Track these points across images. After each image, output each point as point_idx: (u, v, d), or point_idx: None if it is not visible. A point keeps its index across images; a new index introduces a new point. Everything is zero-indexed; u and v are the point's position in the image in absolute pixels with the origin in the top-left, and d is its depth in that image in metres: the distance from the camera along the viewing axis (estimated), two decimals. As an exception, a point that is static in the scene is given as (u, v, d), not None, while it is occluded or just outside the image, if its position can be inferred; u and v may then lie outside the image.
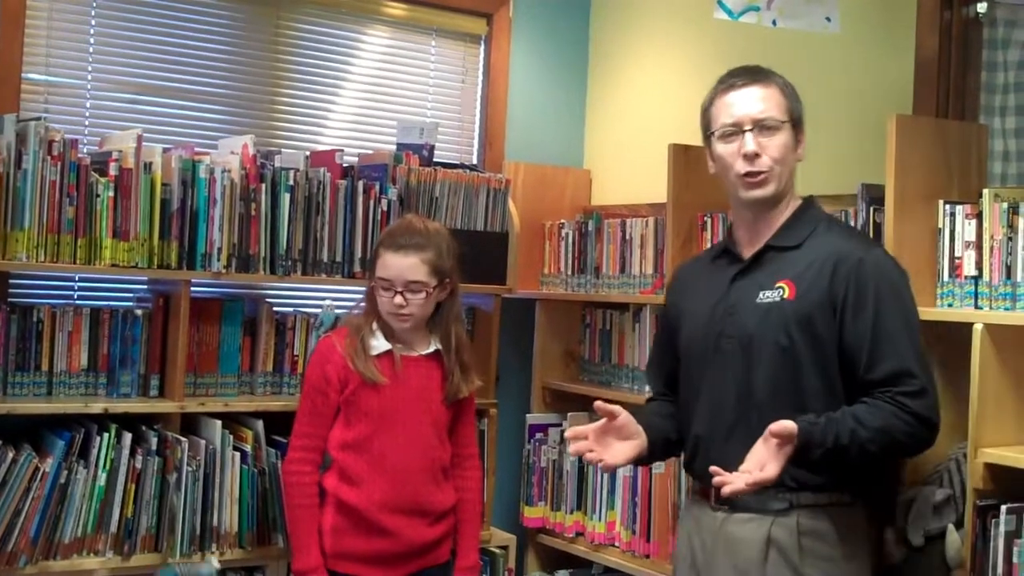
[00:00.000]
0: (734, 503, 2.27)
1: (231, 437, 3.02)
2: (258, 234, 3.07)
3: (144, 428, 2.96)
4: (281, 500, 2.92)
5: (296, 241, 3.13)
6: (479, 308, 3.50)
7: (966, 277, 2.51)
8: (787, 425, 2.09)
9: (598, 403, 2.32)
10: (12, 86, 3.12)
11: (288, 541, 2.85)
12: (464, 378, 2.88)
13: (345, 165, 3.30)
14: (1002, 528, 2.25)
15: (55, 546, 2.80)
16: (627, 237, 3.56)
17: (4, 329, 2.87)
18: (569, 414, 3.61)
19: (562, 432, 3.65)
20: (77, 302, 3.15)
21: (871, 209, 2.68)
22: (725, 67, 2.44)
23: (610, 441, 2.33)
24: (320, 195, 3.16)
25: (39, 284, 3.15)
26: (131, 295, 3.21)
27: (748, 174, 2.32)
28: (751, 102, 2.33)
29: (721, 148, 2.36)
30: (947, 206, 2.56)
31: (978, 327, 2.36)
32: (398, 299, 2.75)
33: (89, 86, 3.30)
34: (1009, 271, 2.41)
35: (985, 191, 2.47)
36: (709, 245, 3.10)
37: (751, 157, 2.31)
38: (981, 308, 2.47)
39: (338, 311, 3.23)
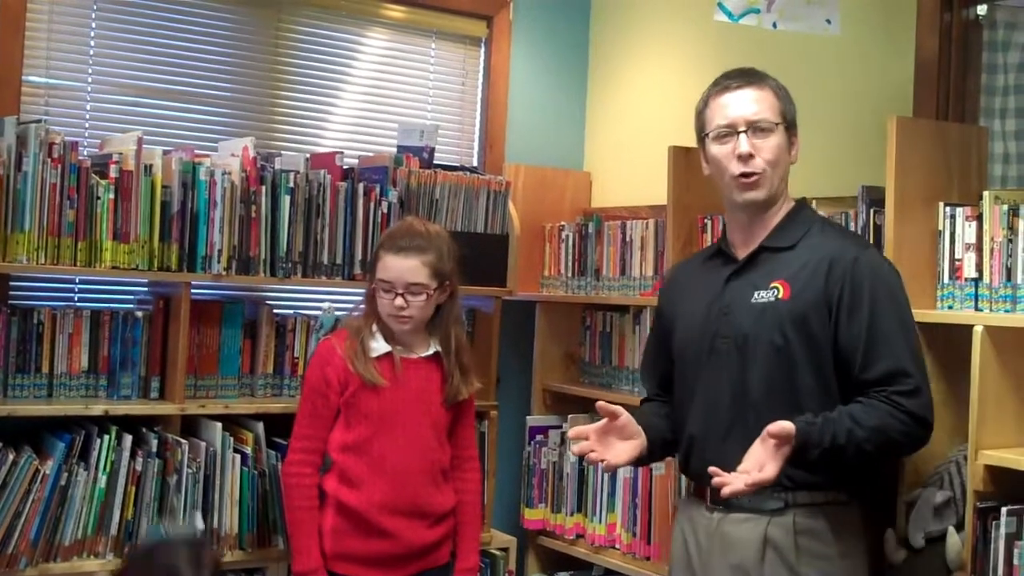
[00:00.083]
0: (729, 503, 2.28)
1: (231, 439, 3.02)
2: (258, 236, 3.07)
3: (144, 430, 2.96)
4: (281, 502, 2.92)
5: (296, 243, 3.13)
6: (479, 310, 3.50)
7: (966, 279, 2.52)
8: (785, 426, 2.10)
9: (600, 403, 2.34)
10: (12, 88, 3.12)
11: (288, 543, 2.84)
12: (464, 380, 2.89)
13: (345, 167, 3.30)
14: (1003, 530, 2.25)
15: (55, 548, 2.79)
16: (627, 239, 3.56)
17: (4, 331, 2.87)
18: (569, 416, 3.61)
19: (562, 434, 3.65)
20: (77, 304, 3.15)
21: (871, 211, 2.68)
22: (725, 69, 2.45)
23: (611, 441, 2.34)
24: (320, 197, 3.16)
25: (39, 286, 3.15)
26: (131, 297, 3.21)
27: (742, 175, 2.34)
28: (745, 104, 2.35)
29: (715, 149, 2.38)
30: (947, 208, 2.57)
31: (978, 329, 2.36)
32: (399, 301, 2.75)
33: (89, 88, 3.30)
34: (1009, 273, 2.41)
35: (985, 193, 2.47)
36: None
37: (745, 158, 2.33)
38: (981, 310, 2.47)
39: (338, 313, 3.23)
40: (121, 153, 2.92)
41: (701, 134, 2.43)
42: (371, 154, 3.49)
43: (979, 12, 2.96)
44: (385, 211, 3.25)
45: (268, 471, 3.05)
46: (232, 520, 3.00)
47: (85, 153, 3.04)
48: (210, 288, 3.17)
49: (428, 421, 2.84)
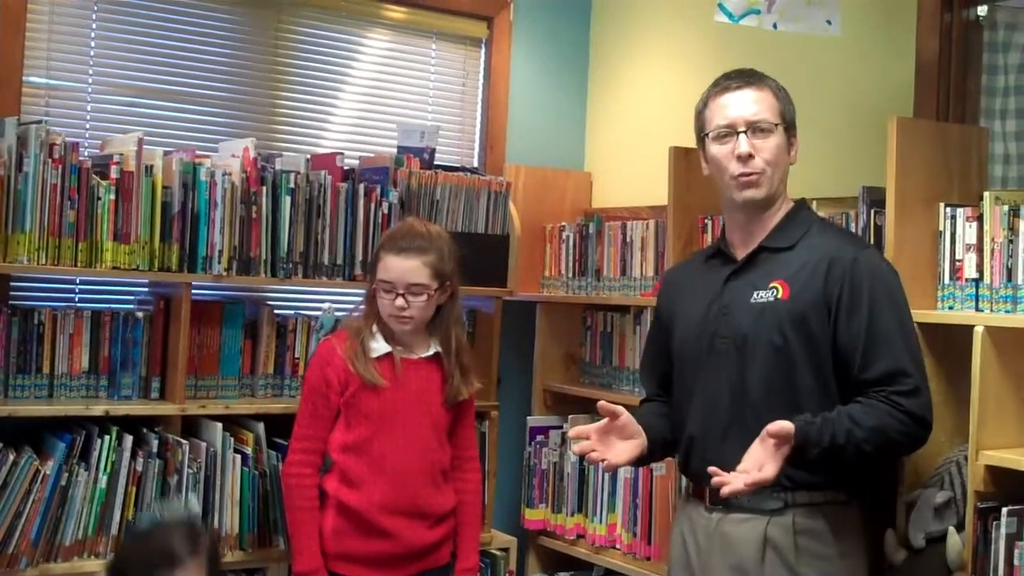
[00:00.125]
0: (729, 503, 2.29)
1: (232, 439, 3.02)
2: (259, 237, 3.07)
3: (145, 430, 2.96)
4: (282, 502, 2.92)
5: (297, 244, 3.13)
6: (480, 311, 3.51)
7: (967, 280, 2.52)
8: (784, 425, 2.10)
9: (601, 403, 2.34)
10: (13, 89, 3.12)
11: (288, 543, 2.84)
12: (464, 380, 2.89)
13: (346, 168, 3.30)
14: (1003, 530, 2.25)
15: (56, 548, 2.79)
16: (628, 240, 3.56)
17: (5, 331, 2.87)
18: (570, 416, 3.61)
19: (563, 434, 3.66)
20: (78, 304, 3.15)
21: (872, 212, 2.68)
22: (726, 70, 2.46)
23: (612, 441, 2.35)
24: (321, 198, 3.17)
25: (40, 287, 3.15)
26: (132, 298, 3.21)
27: (741, 175, 2.34)
28: (745, 104, 2.36)
29: (715, 149, 2.38)
30: (948, 209, 2.57)
31: (979, 329, 2.36)
32: (399, 301, 2.75)
33: (90, 89, 3.30)
34: (1010, 273, 2.41)
35: (986, 194, 2.47)
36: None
37: (744, 158, 2.34)
38: (982, 311, 2.47)
39: (338, 314, 3.23)
40: (122, 154, 2.92)
41: (701, 134, 2.44)
42: (372, 155, 3.49)
43: (979, 13, 2.96)
44: (386, 212, 3.25)
45: (269, 471, 3.06)
46: (233, 520, 3.00)
47: (86, 154, 3.05)
48: (211, 288, 3.17)
49: (428, 421, 2.84)
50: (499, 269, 3.45)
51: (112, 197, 2.87)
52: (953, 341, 2.50)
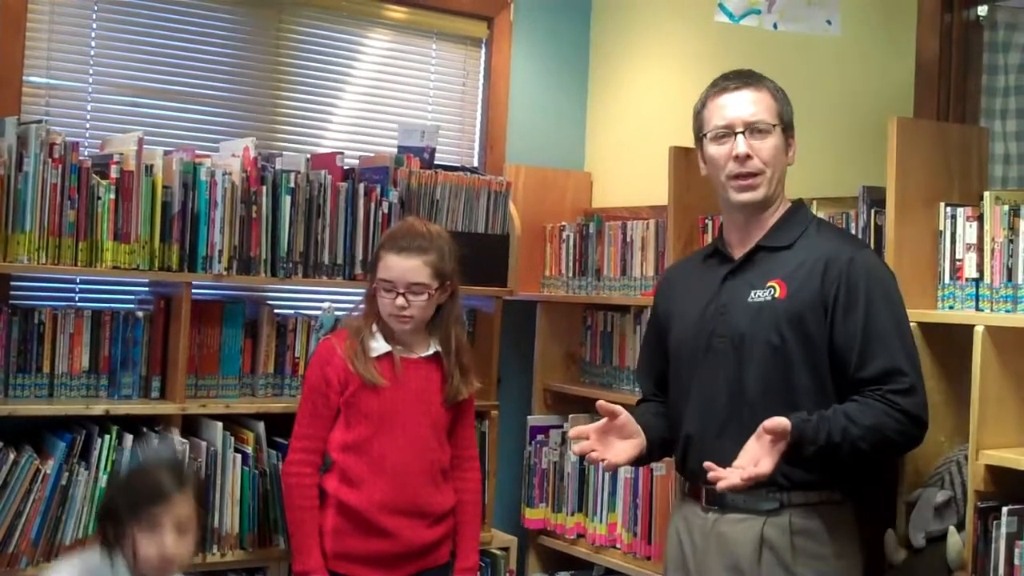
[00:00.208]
0: (725, 503, 2.30)
1: (232, 439, 3.02)
2: (259, 236, 3.07)
3: (145, 430, 2.96)
4: (282, 501, 2.92)
5: (297, 243, 3.13)
6: (480, 310, 3.51)
7: (967, 279, 2.52)
8: (781, 421, 2.11)
9: (600, 402, 2.34)
10: (13, 89, 3.12)
11: (289, 543, 2.84)
12: (464, 380, 2.89)
13: (346, 168, 3.30)
14: (1003, 530, 2.25)
15: (56, 548, 2.79)
16: (628, 239, 3.56)
17: (5, 331, 2.87)
18: (570, 416, 3.61)
19: (563, 434, 3.66)
20: (78, 304, 3.15)
21: (872, 211, 2.68)
22: (726, 70, 2.47)
23: (611, 440, 2.35)
24: (321, 197, 3.17)
25: (40, 286, 3.15)
26: (132, 297, 3.21)
27: (739, 176, 2.35)
28: (743, 105, 2.37)
29: (713, 150, 2.39)
30: (948, 208, 2.57)
31: (979, 329, 2.36)
32: (400, 301, 2.76)
33: (90, 89, 3.31)
34: (1010, 273, 2.41)
35: (986, 194, 2.47)
36: (707, 247, 3.12)
37: (742, 159, 2.35)
38: (982, 310, 2.47)
39: (338, 313, 3.23)
40: (122, 153, 2.92)
41: (699, 135, 2.45)
42: (372, 154, 3.49)
43: (980, 13, 2.97)
44: (386, 211, 3.25)
45: (269, 471, 3.06)
46: (233, 520, 3.00)
47: (86, 153, 3.05)
48: (211, 288, 3.17)
49: (428, 421, 2.84)
50: (499, 269, 3.45)
51: (112, 197, 2.87)
52: (953, 341, 2.50)
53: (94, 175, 2.87)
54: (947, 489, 2.42)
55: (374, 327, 2.83)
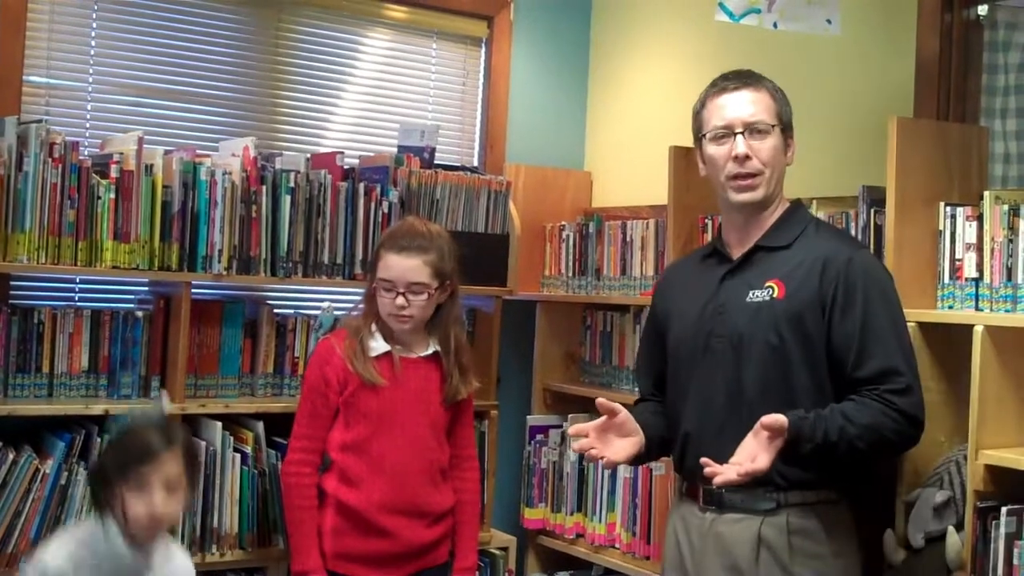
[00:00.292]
0: (723, 503, 2.31)
1: (231, 438, 3.02)
2: (259, 236, 3.07)
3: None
4: (281, 501, 2.92)
5: (297, 243, 3.13)
6: (480, 310, 3.51)
7: (967, 279, 2.52)
8: (778, 418, 2.12)
9: (600, 400, 2.35)
10: (13, 88, 3.13)
11: (288, 542, 2.84)
12: (463, 380, 2.89)
13: (346, 167, 3.30)
14: (1003, 530, 2.25)
15: (56, 548, 2.79)
16: (628, 239, 3.56)
17: (5, 331, 2.87)
18: (570, 415, 3.61)
19: (563, 434, 3.66)
20: (78, 304, 3.15)
21: (872, 211, 2.68)
22: (726, 69, 2.47)
23: (611, 438, 2.36)
24: (321, 197, 3.17)
25: (40, 286, 3.15)
26: (132, 297, 3.21)
27: (738, 176, 2.35)
28: (742, 105, 2.37)
29: (712, 150, 2.40)
30: (948, 208, 2.57)
31: (979, 329, 2.36)
32: (400, 300, 2.76)
33: (90, 88, 3.31)
34: (1010, 273, 2.41)
35: (986, 193, 2.47)
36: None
37: (741, 159, 2.35)
38: (982, 310, 2.47)
39: (337, 313, 3.23)
40: (122, 153, 2.92)
41: (698, 135, 2.46)
42: (372, 154, 3.49)
43: (980, 12, 2.96)
44: (386, 211, 3.25)
45: (268, 470, 3.06)
46: (232, 520, 3.00)
47: (86, 153, 3.05)
48: (210, 288, 3.17)
49: (427, 421, 2.84)
50: (499, 268, 3.45)
51: (112, 196, 2.87)
52: (953, 341, 2.50)
53: (94, 175, 2.87)
54: (946, 489, 2.41)
55: (373, 327, 2.83)
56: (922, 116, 2.91)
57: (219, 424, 3.00)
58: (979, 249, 2.48)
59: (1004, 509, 2.26)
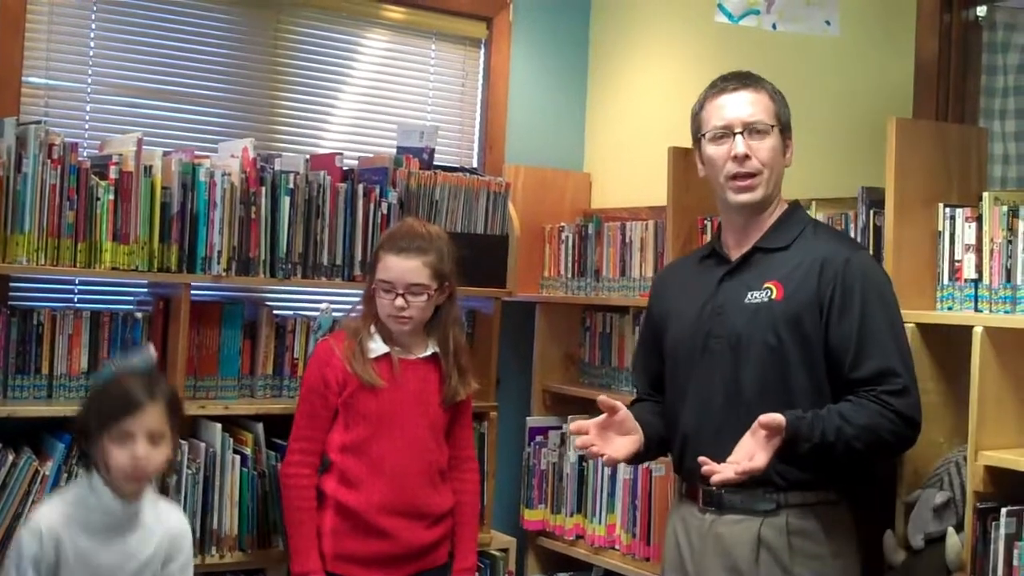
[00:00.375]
0: (722, 504, 2.31)
1: (231, 440, 3.02)
2: (258, 237, 3.07)
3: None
4: (281, 503, 2.92)
5: (296, 244, 3.13)
6: (479, 311, 3.51)
7: (966, 280, 2.52)
8: (775, 417, 2.13)
9: (601, 397, 2.36)
10: (12, 90, 3.12)
11: (287, 544, 2.84)
12: (462, 381, 2.89)
13: (345, 168, 3.30)
14: (1002, 531, 2.25)
15: (55, 549, 2.79)
16: (627, 240, 3.56)
17: (4, 332, 2.87)
18: (569, 417, 3.60)
19: (562, 435, 3.66)
20: (77, 305, 3.15)
21: (871, 212, 2.68)
22: (725, 70, 2.47)
23: (611, 436, 2.37)
24: (320, 198, 3.16)
25: (39, 287, 3.15)
26: (131, 298, 3.21)
27: (737, 176, 2.36)
28: (741, 106, 2.38)
29: (711, 150, 2.40)
30: (947, 209, 2.57)
31: (978, 330, 2.36)
32: (399, 301, 2.76)
33: (89, 90, 3.30)
34: (1009, 274, 2.41)
35: (985, 194, 2.47)
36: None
37: (741, 159, 2.36)
38: (981, 311, 2.47)
39: (336, 314, 3.23)
40: (121, 154, 2.92)
41: (697, 135, 2.46)
42: (371, 155, 3.49)
43: (979, 13, 2.97)
44: (385, 212, 3.25)
45: (268, 472, 3.05)
46: (232, 521, 3.00)
47: (85, 154, 3.04)
48: (210, 289, 3.17)
49: (426, 422, 2.84)
50: (498, 270, 3.45)
51: (111, 197, 2.87)
52: (952, 341, 2.50)
53: (93, 176, 2.87)
54: (946, 490, 2.41)
55: (372, 328, 2.83)
56: (921, 117, 2.91)
57: (218, 426, 2.99)
58: (978, 250, 2.48)
59: (1004, 510, 2.26)
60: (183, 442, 2.92)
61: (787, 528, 2.26)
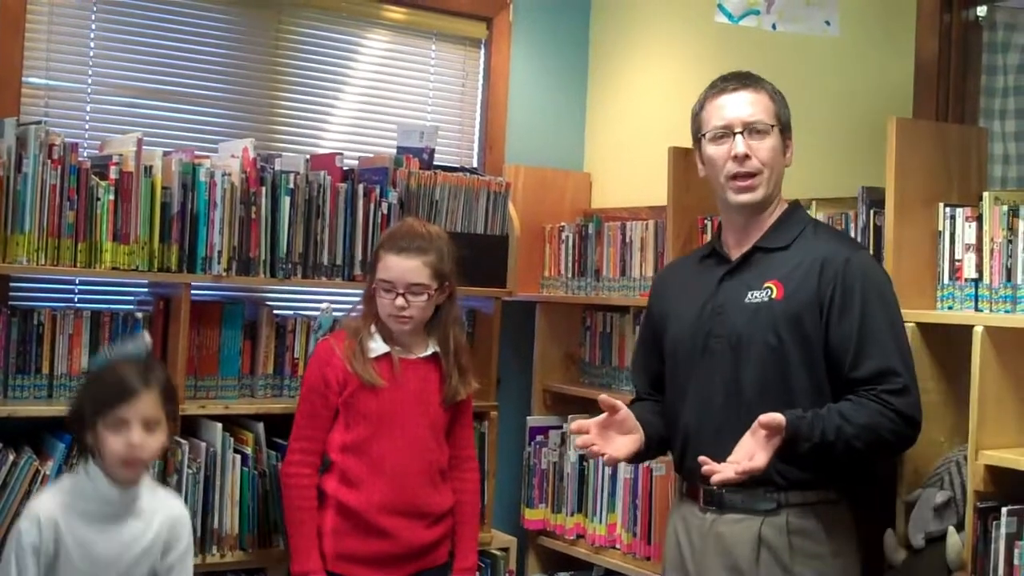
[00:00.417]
0: (723, 504, 2.31)
1: (232, 439, 3.02)
2: (258, 237, 3.07)
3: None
4: (281, 502, 2.92)
5: (296, 244, 3.13)
6: (480, 311, 3.51)
7: (966, 280, 2.52)
8: (775, 416, 2.13)
9: (603, 396, 2.36)
10: (12, 90, 3.12)
11: (288, 543, 2.84)
12: (462, 381, 2.89)
13: (345, 168, 3.30)
14: (1003, 530, 2.25)
15: (55, 549, 2.79)
16: (627, 240, 3.56)
17: (5, 332, 2.87)
18: (569, 416, 3.61)
19: (563, 434, 3.66)
20: (77, 305, 3.15)
21: (871, 212, 2.69)
22: (726, 70, 2.48)
23: (612, 436, 2.37)
24: (320, 198, 3.17)
25: (40, 287, 3.15)
26: (131, 298, 3.21)
27: (737, 176, 2.36)
28: (741, 106, 2.38)
29: (711, 150, 2.41)
30: (947, 209, 2.57)
31: (978, 330, 2.36)
32: (399, 301, 2.76)
33: (89, 90, 3.30)
34: (1009, 274, 2.42)
35: (985, 194, 2.47)
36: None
37: (741, 159, 2.36)
38: (981, 311, 2.47)
39: (336, 314, 3.23)
40: (121, 154, 2.92)
41: (697, 135, 2.47)
42: (371, 155, 3.49)
43: (979, 13, 2.97)
44: (385, 212, 3.25)
45: (268, 471, 3.06)
46: (232, 521, 3.00)
47: (85, 154, 3.04)
48: (210, 289, 3.17)
49: (426, 422, 2.84)
50: (498, 269, 3.45)
51: (111, 198, 2.87)
52: (952, 341, 2.50)
53: (93, 176, 2.87)
54: (946, 489, 2.42)
55: (372, 328, 2.83)
56: (921, 117, 2.91)
57: (219, 425, 2.99)
58: (978, 250, 2.49)
59: (1004, 509, 2.26)
60: (183, 441, 2.93)
61: (787, 527, 2.27)
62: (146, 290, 3.17)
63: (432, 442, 2.86)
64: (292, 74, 3.64)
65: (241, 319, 3.17)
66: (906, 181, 2.58)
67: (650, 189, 3.54)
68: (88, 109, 3.30)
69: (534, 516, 3.70)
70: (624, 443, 2.37)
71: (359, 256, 3.21)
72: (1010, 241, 2.41)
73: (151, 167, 2.93)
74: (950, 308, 2.55)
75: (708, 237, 3.15)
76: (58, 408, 2.87)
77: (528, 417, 3.78)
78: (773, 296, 2.32)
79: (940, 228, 2.58)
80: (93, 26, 3.30)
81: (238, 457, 3.02)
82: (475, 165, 3.91)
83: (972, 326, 2.38)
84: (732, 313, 2.36)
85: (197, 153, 3.08)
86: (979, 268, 2.49)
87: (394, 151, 3.42)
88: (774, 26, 2.73)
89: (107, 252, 2.87)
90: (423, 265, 2.76)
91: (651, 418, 2.49)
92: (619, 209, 3.81)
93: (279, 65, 3.62)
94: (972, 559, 2.32)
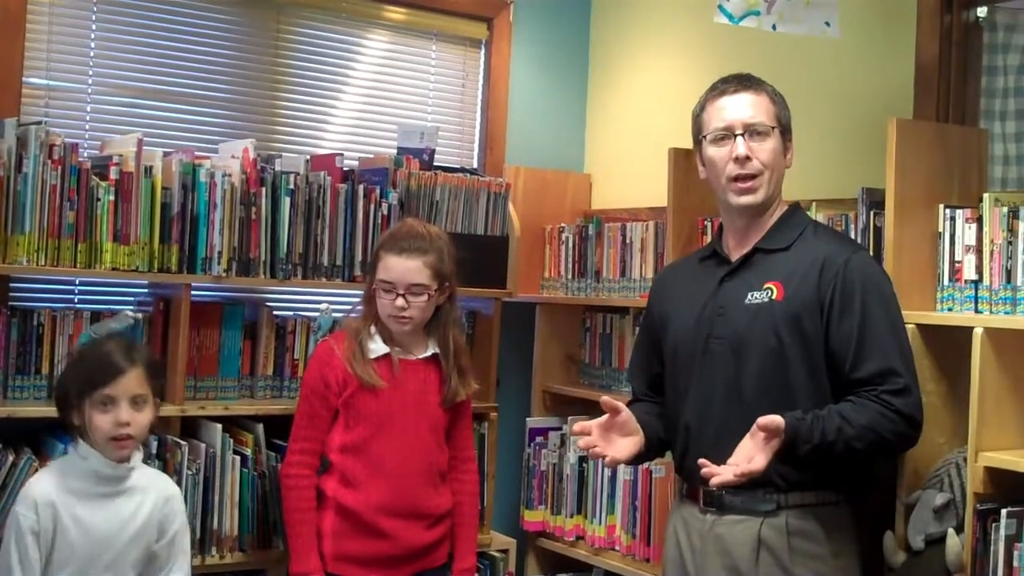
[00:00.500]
0: (723, 505, 2.31)
1: (231, 440, 3.01)
2: (258, 238, 3.07)
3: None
4: (281, 503, 2.92)
5: (296, 245, 3.13)
6: (480, 312, 3.51)
7: (966, 281, 2.52)
8: (774, 418, 2.13)
9: (604, 398, 2.36)
10: (13, 90, 3.12)
11: (287, 544, 2.84)
12: (461, 382, 2.89)
13: (345, 169, 3.30)
14: (1002, 532, 2.25)
15: (55, 550, 2.79)
16: (627, 241, 3.56)
17: (5, 333, 2.87)
18: (569, 418, 3.61)
19: (562, 436, 3.66)
20: (77, 306, 3.15)
21: (871, 213, 2.69)
22: (726, 72, 2.48)
23: (613, 437, 2.38)
24: (320, 199, 3.17)
25: (40, 288, 3.15)
26: (131, 299, 3.21)
27: (738, 177, 2.36)
28: (742, 107, 2.39)
29: (712, 152, 2.41)
30: (947, 210, 2.57)
31: (978, 331, 2.36)
32: (400, 301, 2.76)
33: (90, 90, 3.30)
34: (1009, 275, 2.41)
35: (985, 195, 2.47)
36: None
37: (742, 160, 2.37)
38: (981, 312, 2.47)
39: (335, 315, 3.23)
40: (121, 155, 2.92)
41: (698, 137, 2.47)
42: (371, 156, 3.49)
43: (979, 14, 2.97)
44: (385, 213, 3.25)
45: (268, 473, 3.05)
46: (232, 522, 3.00)
47: (85, 155, 3.04)
48: (210, 290, 3.17)
49: (426, 422, 2.84)
50: (498, 270, 3.45)
51: (111, 198, 2.87)
52: (952, 342, 2.50)
53: (93, 176, 2.87)
54: (946, 491, 2.41)
55: (372, 328, 2.83)
56: (921, 118, 2.91)
57: (219, 426, 2.99)
58: (978, 251, 2.48)
59: (1004, 511, 2.26)
60: (183, 442, 2.92)
61: (787, 529, 2.27)
62: (146, 291, 3.17)
63: (432, 443, 2.85)
64: (292, 74, 3.64)
65: (241, 320, 3.17)
66: (906, 182, 2.58)
67: (650, 190, 3.54)
68: (88, 109, 3.30)
69: (533, 517, 3.70)
70: (625, 445, 2.38)
71: (359, 257, 3.21)
72: (1010, 243, 2.41)
73: (151, 167, 2.93)
74: (950, 310, 2.55)
75: (708, 238, 3.14)
76: (58, 409, 2.89)
77: (528, 418, 3.78)
78: (773, 297, 2.32)
79: (940, 229, 2.57)
80: (93, 26, 3.31)
81: (238, 458, 3.01)
82: (475, 166, 3.91)
83: (972, 328, 2.38)
84: (733, 314, 2.36)
85: (197, 154, 3.09)
86: (979, 270, 2.48)
87: (394, 152, 3.42)
88: (774, 27, 2.73)
89: (107, 253, 2.87)
90: (423, 266, 2.76)
91: (649, 419, 2.49)
92: (619, 210, 3.81)
93: (279, 65, 3.62)
94: (971, 561, 2.32)
